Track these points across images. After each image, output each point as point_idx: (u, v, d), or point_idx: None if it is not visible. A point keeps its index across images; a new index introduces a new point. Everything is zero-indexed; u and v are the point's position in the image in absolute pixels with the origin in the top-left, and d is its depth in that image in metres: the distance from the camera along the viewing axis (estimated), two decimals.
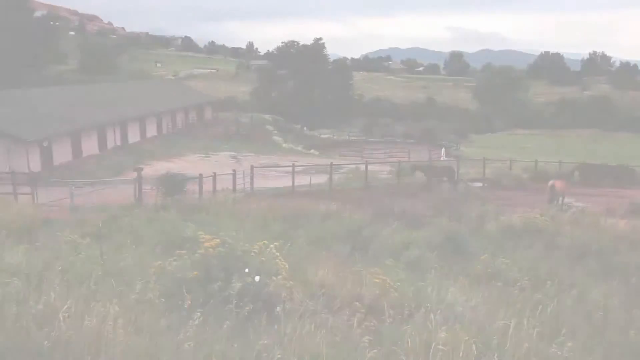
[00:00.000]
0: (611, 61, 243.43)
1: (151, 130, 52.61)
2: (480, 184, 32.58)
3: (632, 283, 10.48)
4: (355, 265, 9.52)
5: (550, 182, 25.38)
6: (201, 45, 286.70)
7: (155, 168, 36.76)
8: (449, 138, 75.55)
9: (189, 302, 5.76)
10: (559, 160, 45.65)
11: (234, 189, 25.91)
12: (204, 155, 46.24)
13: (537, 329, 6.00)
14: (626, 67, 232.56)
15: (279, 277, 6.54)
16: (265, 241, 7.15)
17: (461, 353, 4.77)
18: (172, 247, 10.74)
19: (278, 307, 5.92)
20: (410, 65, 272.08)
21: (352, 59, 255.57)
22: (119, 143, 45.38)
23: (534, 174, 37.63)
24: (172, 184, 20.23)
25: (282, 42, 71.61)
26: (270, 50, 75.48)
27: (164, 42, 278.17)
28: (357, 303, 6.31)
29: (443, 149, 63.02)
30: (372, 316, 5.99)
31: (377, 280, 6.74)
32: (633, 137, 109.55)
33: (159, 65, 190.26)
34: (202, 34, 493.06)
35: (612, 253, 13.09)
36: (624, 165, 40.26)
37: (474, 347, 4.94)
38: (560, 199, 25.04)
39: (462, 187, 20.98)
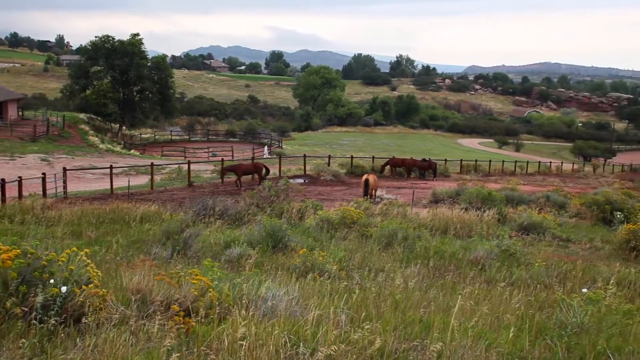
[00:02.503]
0: (414, 64, 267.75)
1: None
2: (301, 180, 33.75)
3: (431, 266, 11.66)
4: (174, 267, 9.36)
5: (364, 177, 27.10)
6: (2, 36, 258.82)
7: None
8: (272, 136, 77.07)
9: None
10: (372, 156, 49.02)
11: (44, 194, 23.85)
12: (8, 158, 41.84)
13: (348, 316, 6.44)
14: (427, 70, 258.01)
15: (90, 285, 6.22)
16: (75, 248, 6.76)
17: (271, 347, 4.95)
18: None
19: (87, 318, 5.62)
20: (232, 63, 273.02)
21: (173, 56, 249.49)
22: None
23: (350, 169, 39.99)
24: None
25: (96, 37, 66.90)
26: (83, 45, 70.17)
27: None
28: (174, 306, 6.23)
29: (266, 147, 64.17)
30: (189, 318, 5.96)
31: (194, 282, 6.71)
32: (434, 133, 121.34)
33: None
34: (2, 24, 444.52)
35: (416, 239, 14.40)
36: (427, 159, 44.51)
37: (286, 339, 5.15)
38: (373, 192, 26.86)
39: (283, 184, 21.54)
